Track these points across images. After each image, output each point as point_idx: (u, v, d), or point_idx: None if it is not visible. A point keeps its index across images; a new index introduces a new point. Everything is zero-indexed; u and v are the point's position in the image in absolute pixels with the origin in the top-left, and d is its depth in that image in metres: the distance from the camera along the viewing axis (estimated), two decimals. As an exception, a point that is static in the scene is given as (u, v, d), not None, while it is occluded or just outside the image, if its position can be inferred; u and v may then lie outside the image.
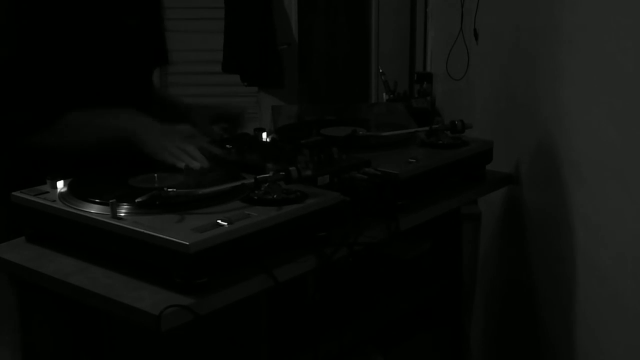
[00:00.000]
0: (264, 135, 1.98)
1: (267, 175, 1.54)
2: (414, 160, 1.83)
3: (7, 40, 1.86)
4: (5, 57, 1.86)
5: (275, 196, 1.53)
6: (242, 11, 4.31)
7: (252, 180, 1.54)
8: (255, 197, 1.53)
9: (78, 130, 1.87)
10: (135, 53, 2.04)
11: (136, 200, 1.49)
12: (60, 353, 1.83)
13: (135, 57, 2.05)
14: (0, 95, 1.86)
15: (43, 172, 1.69)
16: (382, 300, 1.95)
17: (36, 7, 1.85)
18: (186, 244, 1.34)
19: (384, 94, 3.88)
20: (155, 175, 1.67)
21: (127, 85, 2.02)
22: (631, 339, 1.44)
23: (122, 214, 1.48)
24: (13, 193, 1.64)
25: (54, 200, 1.57)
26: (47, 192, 1.62)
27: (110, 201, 1.47)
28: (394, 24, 4.38)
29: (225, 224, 1.41)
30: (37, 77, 1.86)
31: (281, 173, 1.55)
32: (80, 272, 1.49)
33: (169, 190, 1.50)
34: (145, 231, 1.40)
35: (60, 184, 1.63)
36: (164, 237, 1.37)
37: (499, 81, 2.49)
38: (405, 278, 2.04)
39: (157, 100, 2.19)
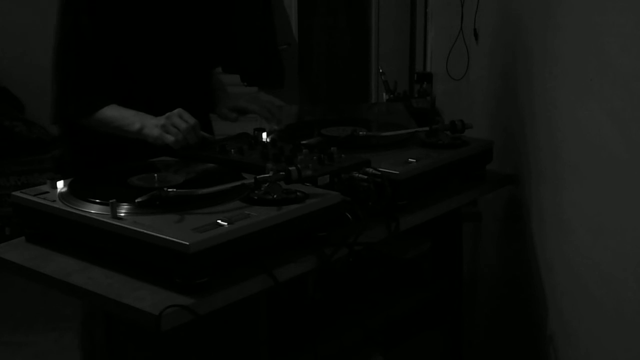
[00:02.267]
0: (264, 135, 1.98)
1: (267, 175, 1.54)
2: (414, 160, 1.83)
3: (89, 23, 1.97)
4: (85, 38, 1.97)
5: (275, 196, 1.53)
6: (242, 11, 4.30)
7: (252, 180, 1.54)
8: (255, 197, 1.53)
9: (108, 122, 1.98)
10: (200, 52, 2.13)
11: (136, 200, 1.49)
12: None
13: (200, 56, 2.14)
14: (73, 76, 1.99)
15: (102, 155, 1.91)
16: (382, 300, 1.95)
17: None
18: (186, 244, 1.34)
19: (384, 94, 3.87)
20: (155, 175, 1.67)
21: (183, 78, 2.11)
22: (631, 338, 1.44)
23: (122, 214, 1.48)
24: (13, 193, 1.64)
25: (54, 200, 1.57)
26: (47, 192, 1.62)
27: (110, 201, 1.47)
28: (394, 24, 4.37)
29: (225, 224, 1.41)
30: (106, 63, 1.99)
31: (281, 173, 1.55)
32: (80, 272, 1.49)
33: (169, 190, 1.50)
34: (145, 231, 1.40)
35: (60, 184, 1.63)
36: (164, 237, 1.37)
37: (499, 81, 2.49)
38: (405, 278, 2.04)
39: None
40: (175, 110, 1.89)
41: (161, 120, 1.89)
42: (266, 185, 1.54)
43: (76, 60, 1.98)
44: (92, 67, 1.98)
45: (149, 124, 1.91)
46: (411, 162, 1.82)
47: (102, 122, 1.98)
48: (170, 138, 1.86)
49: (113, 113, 1.97)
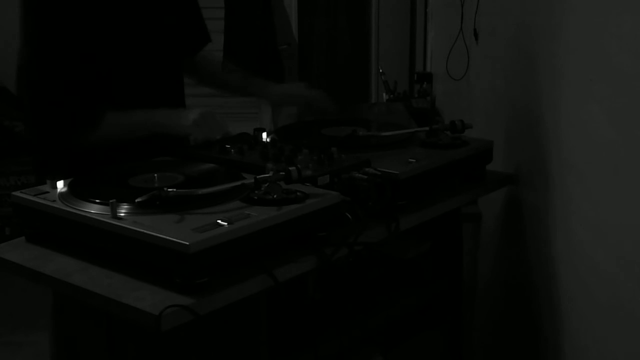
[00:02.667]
0: (264, 135, 1.98)
1: (267, 175, 1.54)
2: (414, 160, 1.83)
3: (48, 37, 1.92)
4: (45, 54, 1.93)
5: (275, 196, 1.53)
6: (242, 11, 4.30)
7: (252, 180, 1.54)
8: (255, 197, 1.53)
9: (114, 129, 1.95)
10: (170, 31, 2.11)
11: (136, 200, 1.49)
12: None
13: (171, 36, 2.12)
14: (42, 94, 1.94)
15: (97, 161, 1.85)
16: (382, 300, 1.95)
17: (76, 3, 1.91)
18: (186, 244, 1.34)
19: (384, 94, 3.88)
20: (155, 175, 1.67)
21: (164, 66, 2.09)
22: (631, 338, 1.44)
23: (122, 214, 1.48)
24: (13, 193, 1.64)
25: (54, 200, 1.57)
26: (47, 192, 1.62)
27: (110, 201, 1.47)
28: (394, 24, 4.38)
29: (225, 224, 1.41)
30: (76, 73, 1.93)
31: (281, 173, 1.55)
32: (81, 272, 1.49)
33: (169, 190, 1.50)
34: (145, 231, 1.40)
35: (60, 184, 1.63)
36: (164, 237, 1.37)
37: (499, 81, 2.49)
38: (405, 278, 2.04)
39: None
40: (207, 110, 1.92)
41: (196, 114, 1.91)
42: (266, 185, 1.54)
43: (52, 78, 1.92)
44: (75, 81, 1.92)
45: (178, 114, 1.93)
46: (411, 162, 1.82)
47: (110, 127, 1.94)
48: (199, 135, 1.89)
49: (117, 115, 1.94)
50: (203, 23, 2.32)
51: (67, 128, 1.93)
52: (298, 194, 1.55)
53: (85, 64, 1.92)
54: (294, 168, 1.56)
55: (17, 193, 1.63)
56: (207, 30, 2.34)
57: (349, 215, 1.61)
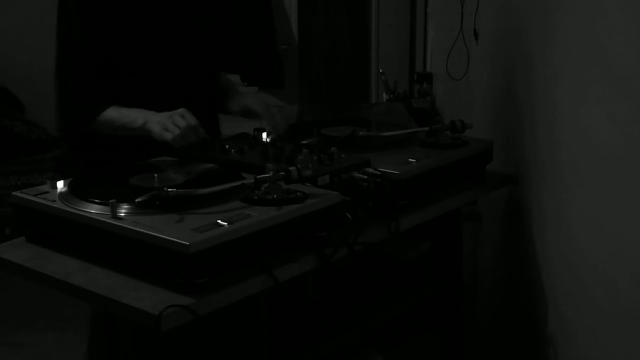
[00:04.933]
0: (264, 135, 1.98)
1: (267, 175, 1.54)
2: (414, 160, 1.83)
3: (82, 29, 1.96)
4: (79, 45, 1.96)
5: (275, 196, 1.53)
6: (242, 11, 4.30)
7: (252, 180, 1.54)
8: (255, 197, 1.53)
9: (111, 122, 1.97)
10: (202, 54, 2.12)
11: (136, 200, 1.49)
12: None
13: (202, 58, 2.13)
14: (71, 83, 1.98)
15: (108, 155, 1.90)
16: (382, 300, 1.95)
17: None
18: (186, 244, 1.34)
19: (384, 94, 3.87)
20: (155, 175, 1.67)
21: (189, 84, 2.10)
22: (631, 338, 1.44)
23: (122, 214, 1.48)
24: (13, 193, 1.64)
25: (54, 200, 1.57)
26: (47, 192, 1.62)
27: (110, 201, 1.47)
28: (394, 24, 4.37)
29: (225, 224, 1.41)
30: (104, 68, 1.97)
31: (281, 173, 1.55)
32: (81, 272, 1.49)
33: (169, 190, 1.50)
34: (145, 231, 1.40)
35: (60, 184, 1.63)
36: (164, 237, 1.37)
37: (499, 81, 2.49)
38: (405, 278, 2.04)
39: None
40: (179, 110, 1.90)
41: (164, 117, 1.90)
42: (266, 185, 1.54)
43: (72, 68, 1.98)
44: (89, 73, 1.97)
45: (152, 120, 1.92)
46: (411, 162, 1.82)
47: (105, 123, 1.97)
48: (168, 135, 1.87)
49: (114, 113, 1.97)
50: (236, 47, 2.38)
51: (83, 115, 1.99)
52: (298, 194, 1.55)
53: (102, 61, 1.98)
54: (294, 168, 1.56)
55: (17, 193, 1.64)
56: (235, 56, 2.40)
57: (349, 215, 1.61)
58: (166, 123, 1.88)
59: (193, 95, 2.10)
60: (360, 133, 2.00)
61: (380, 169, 1.74)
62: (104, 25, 1.96)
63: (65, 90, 2.00)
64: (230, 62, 2.34)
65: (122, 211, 1.48)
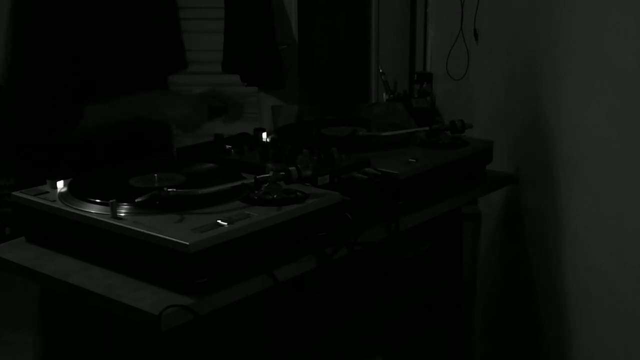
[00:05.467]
0: (264, 135, 1.98)
1: (267, 175, 1.54)
2: (414, 160, 1.83)
3: (25, 41, 1.88)
4: (25, 59, 1.89)
5: (275, 196, 1.53)
6: (242, 11, 4.30)
7: (252, 180, 1.54)
8: (255, 197, 1.53)
9: (94, 120, 1.91)
10: (152, 53, 2.05)
11: (136, 200, 1.49)
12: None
13: (152, 57, 2.06)
14: (21, 98, 1.89)
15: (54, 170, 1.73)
16: (382, 300, 1.95)
17: (53, 5, 1.87)
18: (186, 244, 1.34)
19: (384, 94, 3.87)
20: (155, 175, 1.67)
21: (141, 86, 2.01)
22: (631, 338, 1.44)
23: (122, 214, 1.48)
24: (13, 193, 1.64)
25: (54, 200, 1.57)
26: (47, 192, 1.62)
27: (110, 201, 1.47)
28: (394, 24, 4.37)
29: (225, 224, 1.41)
30: (55, 77, 1.89)
31: (281, 173, 1.55)
32: (80, 272, 1.49)
33: (169, 190, 1.50)
34: (145, 231, 1.40)
35: (60, 184, 1.63)
36: (164, 237, 1.37)
37: (499, 81, 2.49)
38: (405, 278, 2.04)
39: None
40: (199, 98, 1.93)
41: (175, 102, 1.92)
42: (266, 185, 1.54)
43: (43, 62, 1.89)
44: (62, 69, 1.90)
45: (156, 99, 1.93)
46: (411, 162, 1.82)
47: (90, 127, 1.90)
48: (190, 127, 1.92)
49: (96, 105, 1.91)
50: (183, 47, 2.29)
51: (50, 124, 1.90)
52: (298, 194, 1.55)
53: (71, 66, 1.90)
54: (294, 168, 1.56)
55: (17, 193, 1.63)
56: (185, 56, 2.31)
57: (349, 215, 1.61)
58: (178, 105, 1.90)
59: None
60: (360, 133, 2.00)
61: (380, 169, 1.74)
62: (58, 25, 1.88)
63: (36, 102, 1.90)
64: (177, 61, 2.25)
65: (122, 211, 1.48)
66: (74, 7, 1.88)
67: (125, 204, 1.49)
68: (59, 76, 1.89)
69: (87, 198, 1.54)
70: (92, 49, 1.91)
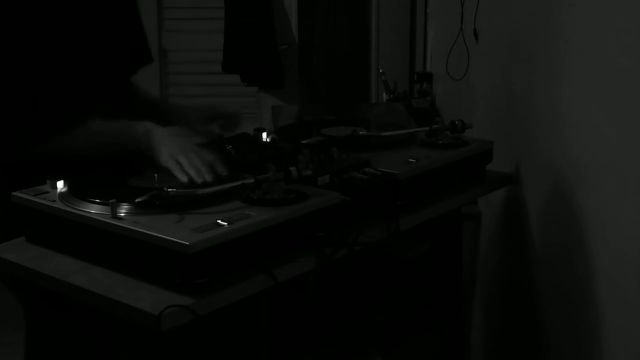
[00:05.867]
0: (264, 135, 1.98)
1: (267, 175, 1.54)
2: (414, 160, 1.83)
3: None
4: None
5: (275, 196, 1.53)
6: (242, 11, 4.30)
7: (252, 180, 1.54)
8: (255, 197, 1.53)
9: (86, 140, 1.82)
10: (113, 52, 2.00)
11: (136, 200, 1.49)
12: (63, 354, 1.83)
13: (114, 57, 2.01)
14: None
15: (42, 176, 1.67)
16: (382, 300, 1.95)
17: (13, 8, 1.80)
18: (186, 244, 1.34)
19: (384, 94, 3.88)
20: (155, 175, 1.67)
21: (107, 85, 1.97)
22: (632, 338, 1.44)
23: (122, 214, 1.48)
24: (13, 193, 1.64)
25: (54, 200, 1.57)
26: (47, 192, 1.62)
27: (110, 201, 1.47)
28: (394, 24, 4.37)
29: (225, 224, 1.41)
30: (20, 82, 1.82)
31: (281, 173, 1.55)
32: (80, 272, 1.49)
33: (169, 190, 1.50)
34: (145, 231, 1.40)
35: (60, 184, 1.63)
36: (164, 237, 1.37)
37: (499, 81, 2.49)
38: (405, 278, 2.04)
39: (138, 100, 2.14)
40: (189, 146, 1.73)
41: (177, 153, 1.70)
42: (266, 185, 1.54)
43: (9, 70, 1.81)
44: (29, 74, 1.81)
45: (157, 135, 1.76)
46: (411, 162, 1.82)
47: (90, 135, 1.82)
48: (183, 178, 1.66)
49: (101, 122, 1.82)
50: (146, 43, 2.25)
51: (22, 137, 1.82)
52: (298, 194, 1.55)
53: (32, 76, 1.82)
54: (294, 168, 1.56)
55: (17, 193, 1.64)
56: (149, 51, 2.22)
57: (349, 215, 1.61)
58: (182, 161, 1.69)
59: (108, 96, 1.97)
60: (360, 133, 2.00)
61: (380, 169, 1.74)
62: (15, 29, 1.81)
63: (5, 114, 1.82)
64: (140, 59, 2.19)
65: (122, 211, 1.48)
66: (29, 11, 1.82)
67: (125, 204, 1.49)
68: (13, 83, 1.82)
69: (87, 198, 1.54)
70: (50, 51, 1.84)
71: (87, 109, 1.84)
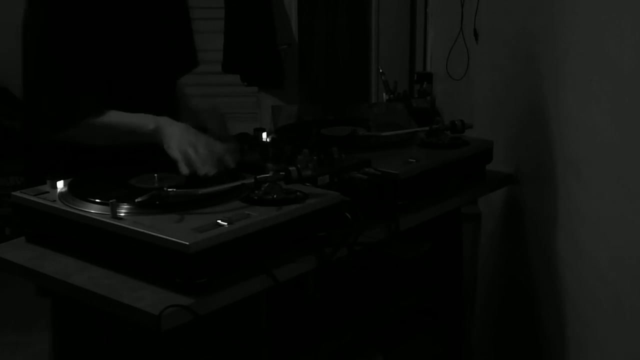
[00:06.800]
0: (264, 135, 1.98)
1: (267, 175, 1.54)
2: (414, 160, 1.83)
3: (42, 34, 1.87)
4: (39, 52, 1.87)
5: (275, 196, 1.53)
6: (242, 11, 4.30)
7: (252, 180, 1.54)
8: (255, 197, 1.53)
9: (103, 129, 1.85)
10: (166, 52, 2.04)
11: (136, 200, 1.49)
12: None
13: (167, 57, 2.05)
14: (35, 90, 1.88)
15: (65, 167, 1.72)
16: (382, 300, 1.95)
17: (70, 2, 1.85)
18: (186, 244, 1.34)
19: (384, 94, 3.87)
20: (155, 175, 1.67)
21: (155, 86, 2.02)
22: (630, 337, 1.44)
23: (122, 214, 1.48)
24: (13, 193, 1.64)
25: (54, 200, 1.57)
26: (47, 192, 1.62)
27: (110, 201, 1.47)
28: (394, 24, 4.37)
29: (225, 224, 1.41)
30: (69, 72, 1.86)
31: (281, 173, 1.55)
32: (81, 272, 1.49)
33: (169, 190, 1.50)
34: (145, 231, 1.40)
35: (60, 184, 1.63)
36: (164, 237, 1.37)
37: (499, 81, 2.49)
38: (405, 278, 2.04)
39: (180, 105, 2.17)
40: (200, 139, 1.75)
41: (186, 145, 1.73)
42: (266, 185, 1.54)
43: (57, 63, 1.85)
44: (76, 67, 1.85)
45: (167, 131, 1.78)
46: (411, 162, 1.82)
47: (105, 126, 1.85)
48: (185, 170, 1.68)
49: (116, 115, 1.85)
50: (194, 47, 2.29)
51: (54, 119, 1.85)
52: (298, 194, 1.55)
53: (85, 64, 1.87)
54: (294, 168, 1.56)
55: (17, 193, 1.63)
56: (196, 55, 2.28)
57: (349, 215, 1.61)
58: (185, 147, 1.72)
59: (155, 97, 2.01)
60: (360, 133, 2.00)
61: (380, 169, 1.74)
62: (71, 23, 1.85)
63: (53, 88, 1.86)
64: (187, 63, 2.22)
65: (122, 211, 1.48)
66: (86, 6, 1.86)
67: (125, 204, 1.49)
68: (67, 74, 1.87)
69: (87, 198, 1.54)
70: (103, 48, 1.90)
71: (111, 102, 1.87)
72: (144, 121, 1.83)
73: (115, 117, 1.86)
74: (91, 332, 1.72)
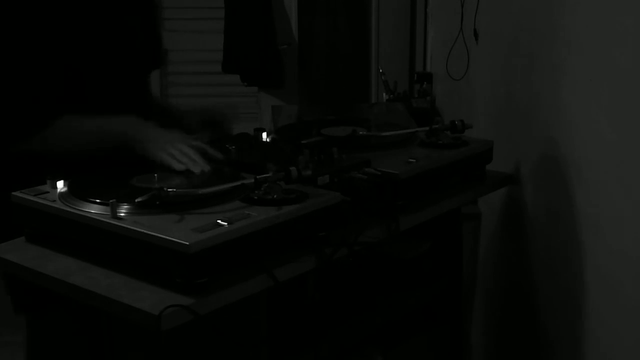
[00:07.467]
0: (264, 135, 1.98)
1: (267, 175, 1.54)
2: (414, 160, 1.83)
3: (4, 39, 1.81)
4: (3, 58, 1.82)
5: (275, 196, 1.53)
6: (242, 11, 4.30)
7: (252, 180, 1.54)
8: (255, 197, 1.53)
9: (67, 137, 1.82)
10: (134, 54, 2.02)
11: (136, 200, 1.49)
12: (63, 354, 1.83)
13: (134, 58, 2.02)
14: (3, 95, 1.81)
15: (39, 175, 1.67)
16: (382, 300, 1.95)
17: (35, 6, 1.81)
18: (186, 244, 1.34)
19: (384, 94, 3.88)
20: (155, 175, 1.67)
21: (124, 87, 1.99)
22: (631, 338, 1.44)
23: (122, 214, 1.48)
24: (13, 193, 1.64)
25: (54, 200, 1.57)
26: (47, 192, 1.62)
27: (110, 201, 1.47)
28: (394, 24, 4.37)
29: (225, 224, 1.41)
30: (33, 78, 1.82)
31: (281, 173, 1.55)
32: (81, 272, 1.49)
33: (169, 190, 1.50)
34: (145, 231, 1.40)
35: (60, 184, 1.63)
36: (164, 237, 1.37)
37: (499, 81, 2.49)
38: (405, 278, 2.04)
39: (154, 105, 2.16)
40: (175, 136, 1.76)
41: (165, 144, 1.73)
42: (266, 185, 1.54)
43: (10, 66, 1.80)
44: (33, 73, 1.80)
45: (143, 134, 1.76)
46: (411, 162, 1.82)
47: (62, 133, 1.80)
48: (179, 167, 1.70)
49: (84, 120, 1.80)
50: (161, 45, 2.26)
51: (18, 130, 1.80)
52: (298, 194, 1.55)
53: (52, 67, 1.83)
54: (294, 168, 1.56)
55: (17, 193, 1.63)
56: (163, 53, 2.24)
57: (349, 215, 1.61)
58: (173, 153, 1.72)
59: (123, 95, 1.97)
60: (360, 133, 2.00)
61: (380, 169, 1.74)
62: (40, 24, 1.81)
63: (6, 98, 1.80)
64: (156, 62, 2.19)
65: (122, 211, 1.48)
66: (51, 8, 1.82)
67: (125, 204, 1.49)
68: (28, 76, 1.82)
69: (87, 198, 1.54)
70: (68, 49, 1.84)
71: (70, 106, 1.82)
72: (113, 121, 1.80)
73: (76, 121, 1.81)
74: (67, 349, 1.71)
